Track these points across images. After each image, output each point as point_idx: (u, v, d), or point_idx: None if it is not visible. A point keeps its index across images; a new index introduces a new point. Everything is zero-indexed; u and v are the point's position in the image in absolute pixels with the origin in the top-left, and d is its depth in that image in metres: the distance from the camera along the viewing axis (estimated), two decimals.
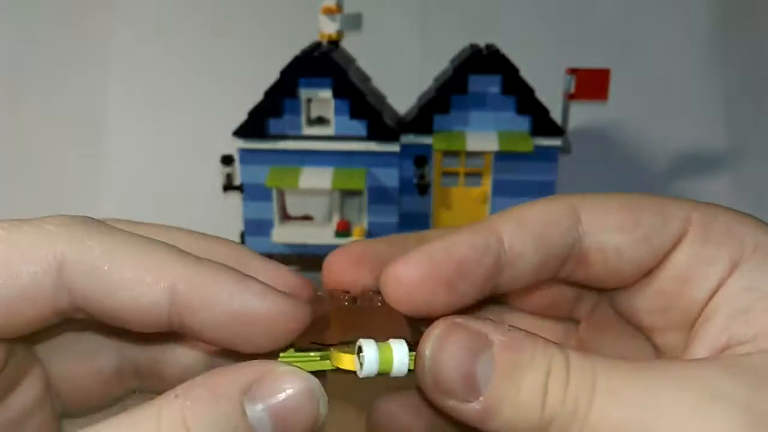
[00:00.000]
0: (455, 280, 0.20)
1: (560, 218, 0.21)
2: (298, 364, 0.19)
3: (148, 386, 0.24)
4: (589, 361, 0.19)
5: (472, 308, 0.22)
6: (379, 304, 0.21)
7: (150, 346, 0.23)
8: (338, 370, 0.20)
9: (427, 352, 0.19)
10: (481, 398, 0.18)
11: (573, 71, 0.60)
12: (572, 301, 0.25)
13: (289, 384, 0.18)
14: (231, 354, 0.20)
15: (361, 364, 0.19)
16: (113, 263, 0.18)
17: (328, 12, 0.60)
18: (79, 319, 0.20)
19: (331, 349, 0.20)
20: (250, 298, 0.19)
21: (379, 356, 0.19)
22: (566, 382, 0.18)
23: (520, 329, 0.19)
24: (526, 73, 0.59)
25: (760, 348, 0.19)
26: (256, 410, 0.18)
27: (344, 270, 0.23)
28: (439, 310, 0.20)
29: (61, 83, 0.76)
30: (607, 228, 0.21)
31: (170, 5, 0.76)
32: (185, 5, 0.76)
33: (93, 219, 0.19)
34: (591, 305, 0.25)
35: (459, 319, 0.19)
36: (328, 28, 0.60)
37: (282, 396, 0.18)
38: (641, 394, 0.18)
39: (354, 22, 0.63)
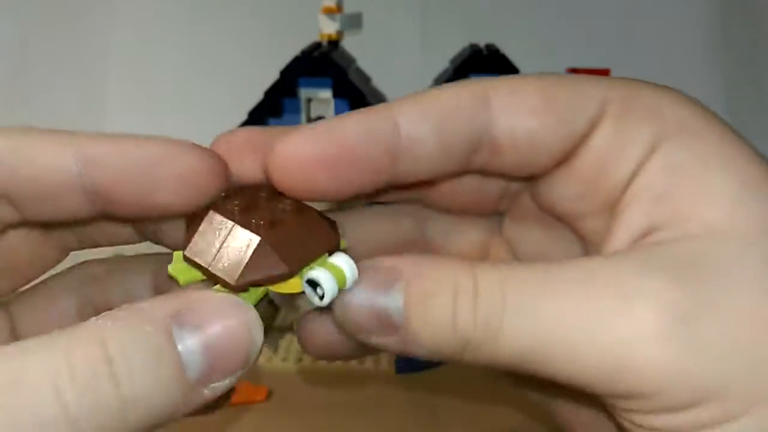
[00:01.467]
0: (340, 163, 0.19)
1: (466, 102, 0.19)
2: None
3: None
4: (496, 277, 0.18)
5: (374, 197, 0.21)
6: (265, 197, 0.20)
7: (108, 286, 0.23)
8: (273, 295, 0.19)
9: (338, 303, 0.19)
10: (398, 331, 0.18)
11: (573, 71, 0.59)
12: (494, 197, 0.24)
13: (222, 310, 0.17)
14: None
15: (321, 296, 0.19)
16: (28, 140, 0.19)
17: (328, 12, 0.60)
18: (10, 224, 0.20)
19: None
20: (154, 143, 0.19)
21: (335, 284, 0.19)
22: (474, 302, 0.18)
23: (430, 257, 0.19)
24: (525, 73, 0.59)
25: (682, 232, 0.18)
26: (185, 338, 0.16)
27: (229, 158, 0.21)
28: (329, 195, 0.19)
29: (61, 83, 0.76)
30: (518, 111, 0.19)
31: (170, 5, 0.76)
32: (185, 5, 0.76)
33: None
34: (512, 199, 0.24)
35: (366, 262, 0.19)
36: (328, 28, 0.60)
37: (213, 323, 0.17)
38: (552, 306, 0.17)
39: (354, 22, 0.63)
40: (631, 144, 0.19)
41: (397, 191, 0.23)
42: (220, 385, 0.17)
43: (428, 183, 0.22)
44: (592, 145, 0.20)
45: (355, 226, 0.24)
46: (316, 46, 0.61)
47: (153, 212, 0.20)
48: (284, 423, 0.47)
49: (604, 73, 0.59)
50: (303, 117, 0.59)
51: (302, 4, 0.65)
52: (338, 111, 0.59)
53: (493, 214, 0.24)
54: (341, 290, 0.19)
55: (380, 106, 0.20)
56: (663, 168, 0.19)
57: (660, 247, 0.18)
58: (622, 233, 0.19)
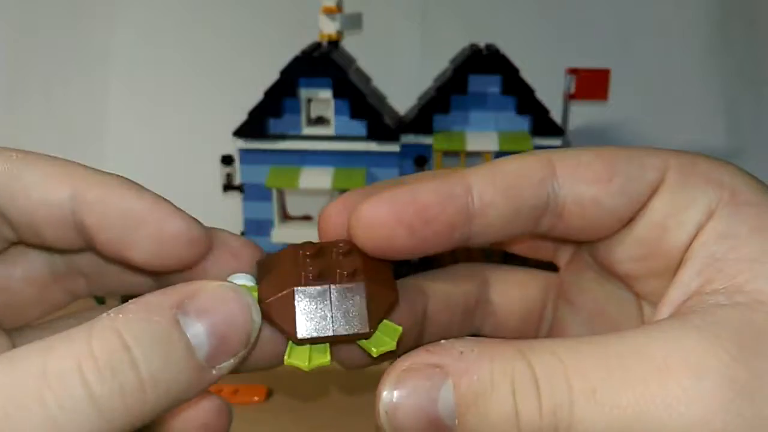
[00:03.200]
0: (417, 224, 0.20)
1: (534, 171, 0.21)
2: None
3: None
4: (554, 361, 0.17)
5: (447, 256, 0.22)
6: (341, 253, 0.21)
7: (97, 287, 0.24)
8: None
9: (383, 412, 0.18)
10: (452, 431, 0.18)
11: (573, 71, 0.60)
12: (551, 251, 0.25)
13: (222, 296, 0.19)
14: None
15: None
16: (28, 169, 0.20)
17: (328, 12, 0.60)
18: None
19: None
20: (139, 200, 0.20)
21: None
22: (536, 393, 0.17)
23: (475, 341, 0.18)
24: (526, 73, 0.59)
25: (735, 301, 0.18)
26: (191, 324, 0.18)
27: (338, 224, 0.22)
28: (404, 253, 0.20)
29: (61, 83, 0.77)
30: (583, 180, 0.21)
31: (170, 5, 0.76)
32: (185, 5, 0.76)
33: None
34: (570, 254, 0.25)
35: (406, 362, 0.18)
36: (328, 28, 0.60)
37: (215, 309, 0.18)
38: (622, 390, 0.17)
39: (354, 22, 0.63)
40: (688, 210, 0.20)
41: None
42: (226, 365, 0.19)
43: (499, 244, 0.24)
44: (651, 211, 0.21)
45: (424, 286, 0.24)
46: (316, 46, 0.61)
47: (132, 264, 0.21)
48: (284, 423, 0.47)
49: (604, 73, 0.59)
50: (303, 117, 0.59)
51: (302, 4, 0.65)
52: (338, 111, 0.59)
53: (550, 263, 0.26)
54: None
55: (454, 173, 0.21)
56: (719, 235, 0.19)
57: (715, 316, 0.18)
58: (676, 294, 0.20)
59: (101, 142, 0.76)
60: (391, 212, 0.20)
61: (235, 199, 0.64)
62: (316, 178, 0.59)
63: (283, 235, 0.61)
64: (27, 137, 0.77)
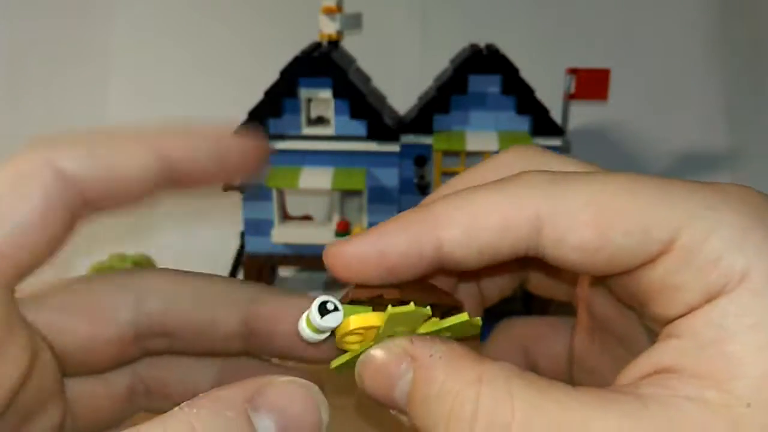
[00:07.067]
0: (386, 275, 0.21)
1: (517, 230, 0.19)
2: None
3: (155, 406, 0.25)
4: (507, 407, 0.18)
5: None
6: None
7: (159, 366, 0.24)
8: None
9: (358, 366, 0.21)
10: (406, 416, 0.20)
11: (573, 71, 0.59)
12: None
13: (290, 392, 0.19)
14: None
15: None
16: (105, 153, 0.21)
17: (328, 12, 0.60)
18: None
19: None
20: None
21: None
22: (470, 428, 0.18)
23: (448, 351, 0.20)
24: (526, 73, 0.59)
25: (700, 395, 0.17)
26: (262, 419, 0.18)
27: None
28: (379, 281, 0.21)
29: (61, 82, 0.77)
30: (567, 246, 0.19)
31: (170, 5, 0.76)
32: (185, 5, 0.76)
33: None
34: None
35: (379, 350, 0.21)
36: (328, 28, 0.60)
37: (286, 405, 0.18)
38: None
39: (354, 22, 0.63)
40: (682, 290, 0.18)
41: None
42: None
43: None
44: (644, 277, 0.19)
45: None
46: (316, 46, 0.61)
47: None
48: None
49: (604, 73, 0.59)
50: (303, 117, 0.59)
51: (302, 4, 0.65)
52: (338, 111, 0.59)
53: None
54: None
55: (423, 221, 0.20)
56: (712, 323, 0.18)
57: (676, 411, 0.17)
58: (648, 363, 0.19)
59: None
60: (361, 268, 0.21)
61: (235, 199, 0.64)
62: (316, 178, 0.59)
63: (283, 235, 0.61)
64: (27, 137, 0.76)
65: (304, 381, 0.19)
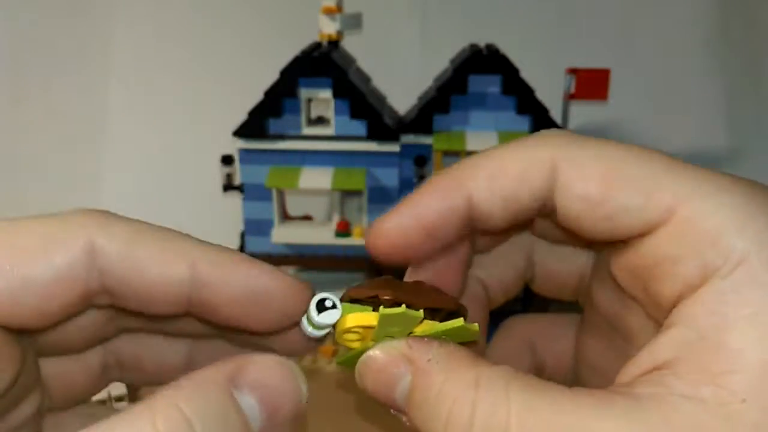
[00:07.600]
0: (426, 240, 0.22)
1: (534, 177, 0.21)
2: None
3: (129, 378, 0.25)
4: (504, 410, 0.18)
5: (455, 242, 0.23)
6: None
7: (133, 343, 0.24)
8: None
9: (359, 365, 0.21)
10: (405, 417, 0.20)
11: (573, 71, 0.60)
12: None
13: (270, 368, 0.19)
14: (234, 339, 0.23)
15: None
16: (140, 245, 0.20)
17: (328, 12, 0.60)
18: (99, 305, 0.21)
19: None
20: (265, 277, 0.21)
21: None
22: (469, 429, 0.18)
23: (446, 354, 0.20)
24: (526, 73, 0.59)
25: (696, 394, 0.17)
26: (245, 397, 0.19)
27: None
28: (423, 257, 0.23)
29: (61, 83, 0.77)
30: (572, 194, 0.20)
31: (170, 5, 0.76)
32: (185, 5, 0.76)
33: (113, 213, 0.21)
34: (594, 258, 0.25)
35: (378, 352, 0.21)
36: (328, 28, 0.60)
37: (265, 379, 0.19)
38: None
39: (354, 22, 0.63)
40: (678, 264, 0.18)
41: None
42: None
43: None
44: (646, 247, 0.19)
45: (481, 264, 0.26)
46: (316, 46, 0.61)
47: (250, 331, 0.22)
48: None
49: (604, 73, 0.59)
50: (303, 117, 0.59)
51: (302, 4, 0.65)
52: (338, 111, 0.59)
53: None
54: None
55: (452, 180, 0.22)
56: (709, 311, 0.18)
57: (673, 410, 0.17)
58: (646, 360, 0.19)
59: (101, 142, 0.76)
60: (401, 236, 0.22)
61: (235, 199, 0.64)
62: (316, 178, 0.59)
63: (283, 235, 0.62)
64: (27, 137, 0.77)
65: (281, 358, 0.20)
